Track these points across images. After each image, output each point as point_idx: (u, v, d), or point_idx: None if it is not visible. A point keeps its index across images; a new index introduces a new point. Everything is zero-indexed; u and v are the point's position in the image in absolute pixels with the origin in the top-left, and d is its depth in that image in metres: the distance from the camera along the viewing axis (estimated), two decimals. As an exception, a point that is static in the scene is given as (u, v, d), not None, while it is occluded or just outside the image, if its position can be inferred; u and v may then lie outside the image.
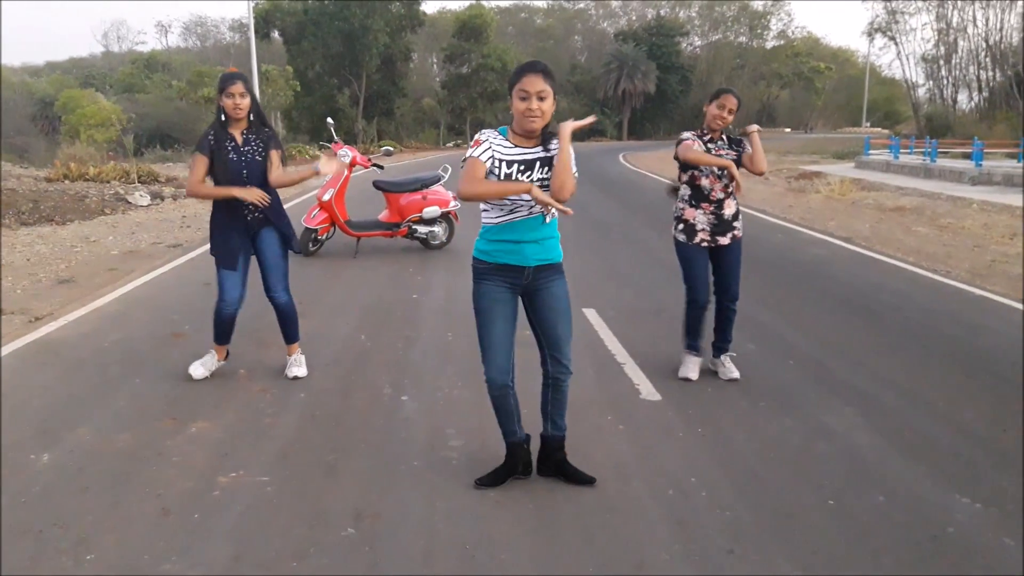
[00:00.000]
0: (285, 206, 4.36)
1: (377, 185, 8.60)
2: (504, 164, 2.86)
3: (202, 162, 4.06)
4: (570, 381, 3.13)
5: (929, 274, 7.72)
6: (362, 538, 2.78)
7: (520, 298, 3.04)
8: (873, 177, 19.35)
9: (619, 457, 3.46)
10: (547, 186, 2.87)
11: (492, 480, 3.15)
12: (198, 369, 4.38)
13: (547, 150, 2.89)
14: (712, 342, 4.55)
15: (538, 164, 2.88)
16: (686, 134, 4.31)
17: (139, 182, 15.28)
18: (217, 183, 4.11)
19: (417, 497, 3.06)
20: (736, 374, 4.45)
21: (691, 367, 4.48)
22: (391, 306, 6.21)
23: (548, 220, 2.95)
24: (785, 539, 2.80)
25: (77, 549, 2.68)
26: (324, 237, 8.43)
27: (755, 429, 3.79)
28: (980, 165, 18.10)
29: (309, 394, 4.20)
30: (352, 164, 8.37)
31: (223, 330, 4.34)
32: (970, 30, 33.14)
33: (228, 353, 4.49)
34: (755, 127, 4.33)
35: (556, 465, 3.21)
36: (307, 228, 8.17)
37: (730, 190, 4.29)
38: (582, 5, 68.93)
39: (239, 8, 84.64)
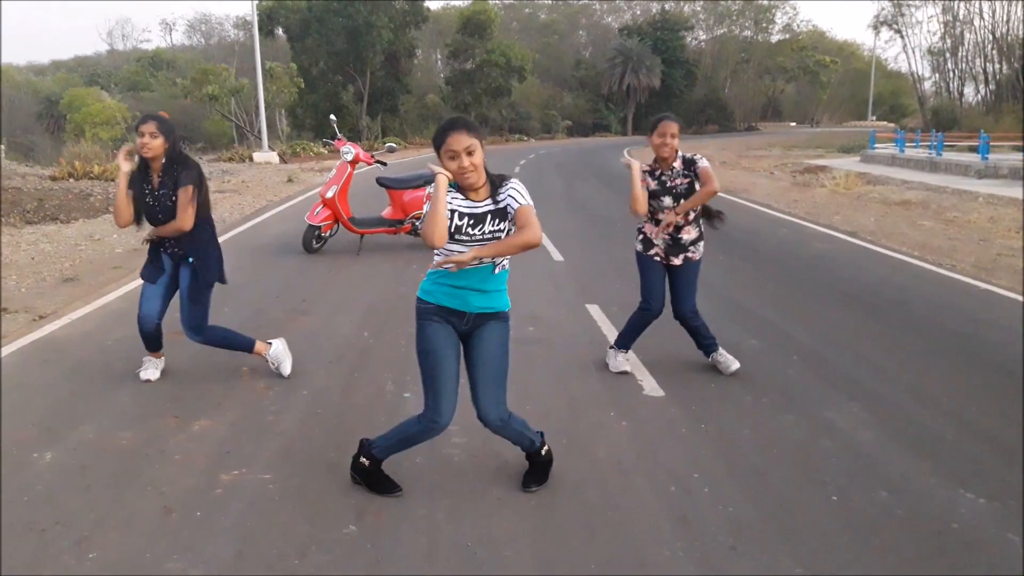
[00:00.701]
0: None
1: (380, 182, 8.59)
2: (456, 215, 2.78)
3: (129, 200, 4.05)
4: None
5: (934, 268, 7.69)
6: (364, 536, 2.78)
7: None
8: (878, 171, 19.26)
9: (621, 453, 3.45)
10: (499, 239, 2.78)
11: (382, 486, 3.09)
12: (150, 372, 4.35)
13: (497, 202, 2.79)
14: (696, 348, 4.56)
15: (489, 217, 2.79)
16: (641, 167, 4.18)
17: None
18: (139, 221, 4.14)
19: (419, 495, 3.06)
20: (736, 365, 4.43)
21: (620, 361, 4.52)
22: (394, 303, 6.21)
23: (497, 271, 2.88)
24: (788, 535, 2.79)
25: (79, 547, 2.69)
26: (327, 234, 8.43)
27: (758, 425, 3.78)
28: (986, 158, 18.00)
29: (311, 392, 4.20)
30: (355, 161, 8.38)
31: (148, 339, 4.33)
32: (976, 23, 33.03)
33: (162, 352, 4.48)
34: (672, 218, 4.18)
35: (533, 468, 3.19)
36: (310, 225, 8.18)
37: (691, 217, 4.26)
38: (586, 0, 68.86)
39: (243, 6, 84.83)
